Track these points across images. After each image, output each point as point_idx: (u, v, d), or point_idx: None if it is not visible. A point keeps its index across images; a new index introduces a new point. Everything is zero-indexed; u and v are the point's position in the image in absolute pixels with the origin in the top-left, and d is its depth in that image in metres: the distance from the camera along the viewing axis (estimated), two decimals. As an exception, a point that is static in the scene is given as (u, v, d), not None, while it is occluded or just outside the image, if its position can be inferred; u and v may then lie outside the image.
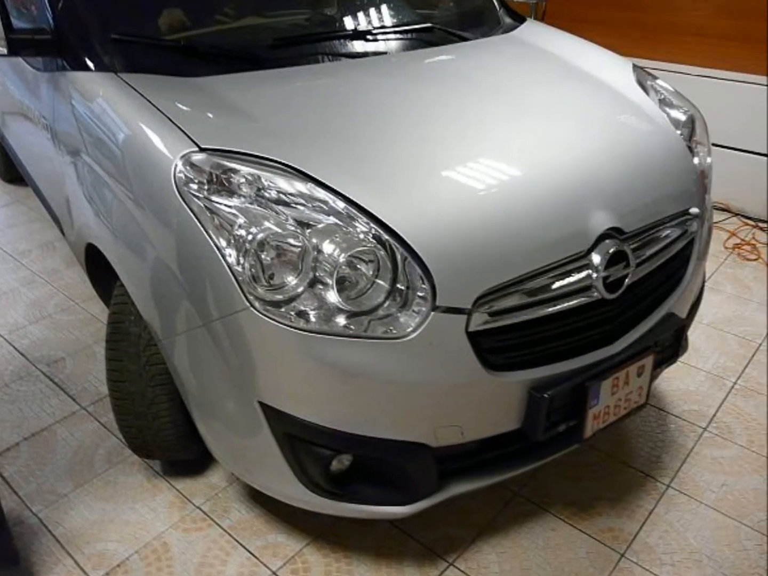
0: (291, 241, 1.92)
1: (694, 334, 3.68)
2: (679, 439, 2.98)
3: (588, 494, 2.70)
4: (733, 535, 2.55)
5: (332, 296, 1.91)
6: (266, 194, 1.97)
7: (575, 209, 2.15)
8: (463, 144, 2.25)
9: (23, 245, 4.65)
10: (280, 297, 1.92)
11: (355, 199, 1.97)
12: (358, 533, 2.52)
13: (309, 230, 1.93)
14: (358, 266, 1.93)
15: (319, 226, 1.93)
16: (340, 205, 1.96)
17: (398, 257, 1.92)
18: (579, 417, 2.21)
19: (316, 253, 1.91)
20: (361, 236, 1.92)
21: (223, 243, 1.95)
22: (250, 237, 1.92)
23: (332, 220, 1.94)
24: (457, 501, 2.42)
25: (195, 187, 2.01)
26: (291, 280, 1.92)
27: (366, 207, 1.96)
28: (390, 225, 1.94)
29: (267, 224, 1.93)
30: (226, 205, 1.97)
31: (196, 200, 2.00)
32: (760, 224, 4.96)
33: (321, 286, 1.92)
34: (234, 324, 1.98)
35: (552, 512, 2.62)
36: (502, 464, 2.29)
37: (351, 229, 1.93)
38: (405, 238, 1.92)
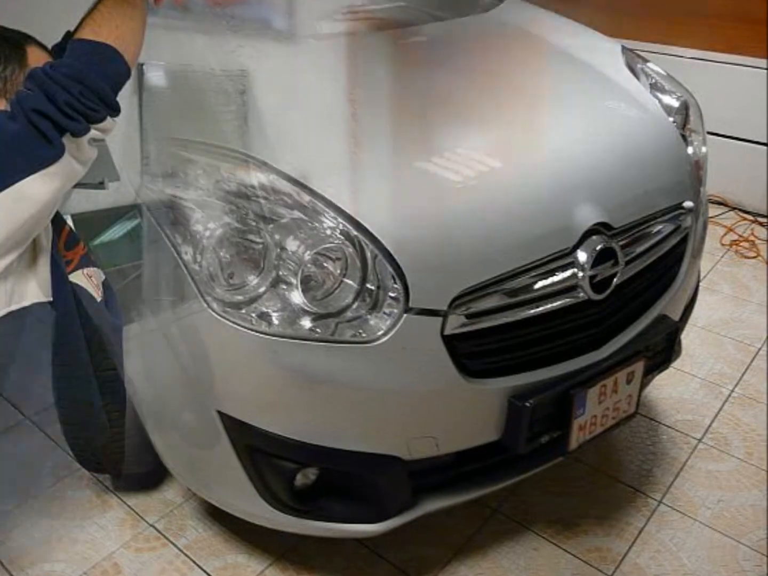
0: (252, 237, 1.91)
1: (687, 337, 3.67)
2: (672, 452, 2.99)
3: (573, 511, 2.70)
4: (730, 555, 2.55)
5: (297, 297, 1.90)
6: (225, 186, 1.97)
7: (559, 203, 2.15)
8: (438, 133, 2.25)
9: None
10: (240, 298, 1.92)
11: (321, 192, 1.96)
12: (325, 553, 2.51)
13: (271, 225, 1.92)
14: (325, 264, 1.93)
15: (283, 221, 1.93)
16: (305, 198, 1.95)
17: (368, 255, 1.92)
18: (563, 428, 2.21)
19: (279, 250, 1.91)
20: (328, 232, 1.92)
21: (178, 239, 1.94)
22: (207, 233, 1.91)
23: (296, 214, 1.94)
24: (432, 518, 2.41)
25: (149, 178, 2.00)
26: (252, 279, 1.91)
27: (333, 200, 1.95)
28: (359, 220, 1.93)
29: (226, 219, 1.93)
30: (182, 198, 1.96)
31: (149, 193, 1.99)
32: (759, 219, 4.96)
33: (284, 286, 1.91)
34: (190, 327, 1.97)
35: (534, 530, 2.63)
36: (480, 479, 2.29)
37: (317, 225, 1.93)
38: (375, 234, 1.92)
